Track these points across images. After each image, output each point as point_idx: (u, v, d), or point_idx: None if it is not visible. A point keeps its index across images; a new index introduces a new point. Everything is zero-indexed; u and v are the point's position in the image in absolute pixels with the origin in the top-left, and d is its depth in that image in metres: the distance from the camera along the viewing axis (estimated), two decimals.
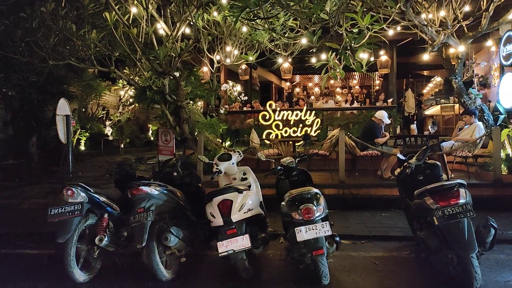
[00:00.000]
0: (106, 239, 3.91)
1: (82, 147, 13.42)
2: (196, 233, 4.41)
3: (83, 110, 14.24)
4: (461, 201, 3.48)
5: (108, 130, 15.28)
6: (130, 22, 6.71)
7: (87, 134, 13.55)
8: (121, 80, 13.64)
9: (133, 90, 13.33)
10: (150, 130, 17.47)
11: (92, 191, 4.08)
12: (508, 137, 6.95)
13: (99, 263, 4.09)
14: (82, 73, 12.69)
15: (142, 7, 6.64)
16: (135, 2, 6.73)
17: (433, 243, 3.63)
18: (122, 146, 15.03)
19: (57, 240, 3.68)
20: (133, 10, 6.70)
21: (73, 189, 3.93)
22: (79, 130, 13.02)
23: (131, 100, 15.41)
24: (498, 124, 7.42)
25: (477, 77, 12.26)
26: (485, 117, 7.75)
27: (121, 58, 8.07)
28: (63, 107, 7.69)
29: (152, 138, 15.06)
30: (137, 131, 16.91)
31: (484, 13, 6.65)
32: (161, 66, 7.11)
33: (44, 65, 7.37)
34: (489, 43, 10.51)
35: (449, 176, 6.70)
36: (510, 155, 6.81)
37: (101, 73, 11.40)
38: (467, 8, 6.69)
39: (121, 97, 16.41)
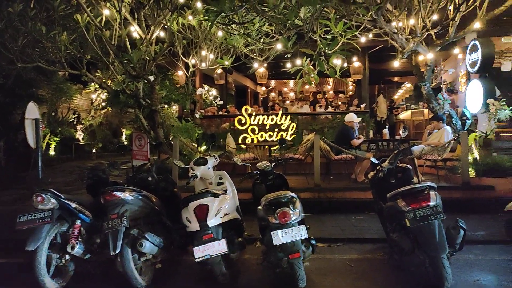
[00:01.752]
0: (78, 246, 3.80)
1: (52, 152, 12.98)
2: (172, 238, 4.35)
3: (53, 114, 13.81)
4: (432, 203, 3.59)
5: (79, 135, 14.87)
6: (102, 25, 6.59)
7: (57, 139, 13.13)
8: (93, 84, 13.33)
9: (105, 94, 13.06)
10: (123, 134, 17.14)
11: (63, 197, 3.96)
12: (475, 141, 7.23)
13: (71, 271, 3.97)
14: (52, 76, 12.31)
15: (115, 10, 6.52)
16: (108, 4, 6.61)
17: (405, 244, 3.72)
18: (94, 151, 14.66)
19: (26, 248, 3.55)
20: (106, 12, 6.57)
21: (43, 195, 3.81)
22: (49, 134, 12.60)
23: (103, 104, 15.07)
24: (465, 128, 7.71)
25: (445, 83, 12.72)
26: (453, 122, 8.03)
27: (93, 61, 7.90)
28: (32, 111, 7.44)
29: (125, 143, 14.78)
30: (110, 136, 16.53)
31: (451, 22, 6.92)
32: (134, 70, 7.00)
33: (12, 67, 7.12)
34: (456, 50, 10.93)
35: (420, 179, 6.90)
36: (477, 159, 7.09)
37: (72, 76, 11.12)
38: (435, 17, 6.94)
39: (93, 100, 16.03)
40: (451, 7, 6.90)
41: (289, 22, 4.63)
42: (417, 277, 3.83)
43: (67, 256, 3.84)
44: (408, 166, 4.66)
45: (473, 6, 6.75)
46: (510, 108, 7.32)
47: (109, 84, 8.37)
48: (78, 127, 15.01)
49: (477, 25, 6.98)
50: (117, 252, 3.58)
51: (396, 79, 19.82)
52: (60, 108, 14.27)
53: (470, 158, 7.02)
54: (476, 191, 6.61)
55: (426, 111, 12.66)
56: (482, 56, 7.63)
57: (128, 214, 3.77)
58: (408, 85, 19.07)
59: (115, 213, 3.73)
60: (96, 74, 8.43)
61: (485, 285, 3.75)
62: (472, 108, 8.06)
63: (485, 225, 5.58)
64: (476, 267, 4.21)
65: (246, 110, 9.85)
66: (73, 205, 4.01)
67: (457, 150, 7.49)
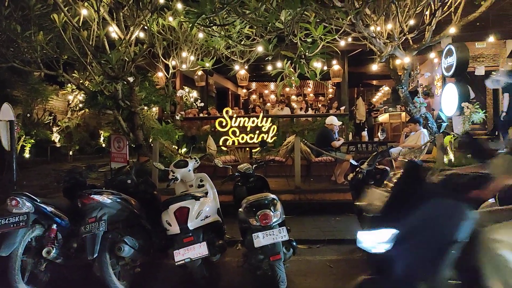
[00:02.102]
0: (54, 251, 3.71)
1: (27, 155, 12.64)
2: (152, 242, 4.30)
3: (28, 115, 13.46)
4: None
5: (56, 137, 14.53)
6: (80, 25, 6.48)
7: (32, 141, 12.80)
8: (69, 85, 13.06)
9: (82, 95, 12.82)
10: (101, 136, 16.84)
11: (38, 200, 3.85)
12: (450, 143, 7.43)
13: (47, 276, 3.85)
14: (27, 76, 12.01)
15: (93, 10, 6.42)
16: (86, 4, 6.50)
17: None
18: (70, 153, 14.34)
19: (0, 254, 3.43)
20: (84, 12, 6.47)
21: (18, 198, 3.70)
22: (24, 136, 12.27)
23: (80, 105, 14.77)
24: (441, 131, 7.91)
25: (421, 87, 13.04)
26: (429, 124, 8.23)
27: (70, 62, 7.75)
28: (6, 112, 7.20)
29: (103, 145, 14.53)
30: (87, 138, 16.20)
31: (427, 27, 7.12)
32: (113, 71, 6.91)
33: None
34: (432, 55, 11.21)
35: None
36: (453, 160, 7.28)
37: (48, 76, 10.86)
38: (412, 22, 7.12)
39: (70, 102, 15.70)
40: (428, 13, 7.10)
41: (270, 25, 4.67)
42: None
43: (42, 261, 3.74)
44: (386, 168, 4.75)
45: (448, 12, 6.96)
46: (484, 111, 7.57)
47: (86, 85, 8.23)
48: (54, 129, 14.66)
49: (452, 30, 7.19)
50: (94, 256, 3.51)
51: (374, 82, 20.18)
52: (36, 109, 13.92)
53: (445, 159, 7.21)
54: None
55: (404, 113, 12.91)
56: (457, 60, 7.86)
57: (106, 217, 3.70)
58: (386, 88, 19.43)
59: (92, 217, 3.65)
60: (73, 75, 8.28)
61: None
62: (447, 111, 8.28)
63: None
64: None
65: (227, 112, 9.84)
66: (49, 208, 3.91)
67: (433, 152, 7.68)
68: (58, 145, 14.46)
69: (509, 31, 9.77)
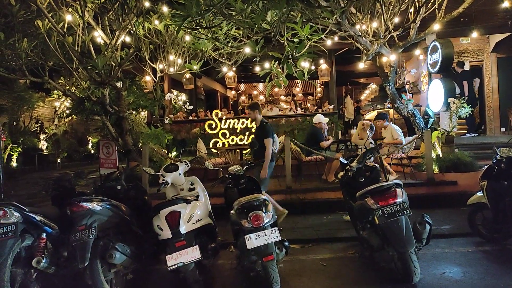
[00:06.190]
0: (44, 260, 3.64)
1: (14, 163, 12.47)
2: (144, 247, 4.26)
3: (14, 123, 13.28)
4: (399, 200, 3.70)
5: (43, 144, 14.36)
6: (65, 30, 6.40)
7: (19, 149, 12.63)
8: (56, 91, 12.92)
9: (69, 101, 12.69)
10: (90, 142, 16.69)
11: (27, 210, 3.79)
12: (437, 138, 7.51)
13: (37, 286, 3.79)
14: (12, 84, 11.87)
15: (77, 15, 6.36)
16: (70, 9, 6.43)
17: (375, 241, 3.82)
18: (58, 160, 14.18)
19: None
20: (68, 17, 6.39)
21: (6, 209, 3.63)
22: (10, 145, 12.10)
23: (67, 111, 14.62)
24: (428, 127, 7.99)
25: (408, 83, 13.17)
26: (416, 120, 8.30)
27: (55, 68, 7.66)
28: None
29: (92, 151, 14.40)
30: (76, 144, 16.06)
31: (412, 24, 7.17)
32: (100, 76, 6.84)
33: None
34: (418, 52, 11.35)
35: (387, 177, 7.08)
36: (440, 156, 7.36)
37: (33, 83, 10.73)
38: (397, 19, 7.17)
39: (57, 108, 15.54)
40: (412, 10, 7.15)
41: (256, 26, 4.67)
42: (387, 272, 3.94)
43: (32, 271, 3.67)
44: (376, 165, 4.78)
45: (432, 9, 7.03)
46: (470, 105, 7.65)
47: (73, 91, 8.14)
48: (42, 136, 14.49)
49: (436, 26, 7.26)
50: (86, 264, 3.47)
51: (362, 80, 20.33)
52: (22, 117, 13.76)
53: (433, 155, 7.28)
54: (440, 186, 6.86)
55: (391, 110, 13.03)
56: (442, 56, 7.95)
57: (96, 224, 3.66)
58: (373, 86, 19.57)
59: (82, 225, 3.61)
60: (59, 81, 8.18)
61: (451, 277, 3.89)
62: (434, 106, 8.36)
63: (449, 219, 5.81)
64: (443, 260, 4.37)
65: (216, 114, 9.83)
66: (38, 217, 3.85)
67: (421, 148, 7.75)
68: (45, 152, 14.30)
69: (491, 27, 9.92)
